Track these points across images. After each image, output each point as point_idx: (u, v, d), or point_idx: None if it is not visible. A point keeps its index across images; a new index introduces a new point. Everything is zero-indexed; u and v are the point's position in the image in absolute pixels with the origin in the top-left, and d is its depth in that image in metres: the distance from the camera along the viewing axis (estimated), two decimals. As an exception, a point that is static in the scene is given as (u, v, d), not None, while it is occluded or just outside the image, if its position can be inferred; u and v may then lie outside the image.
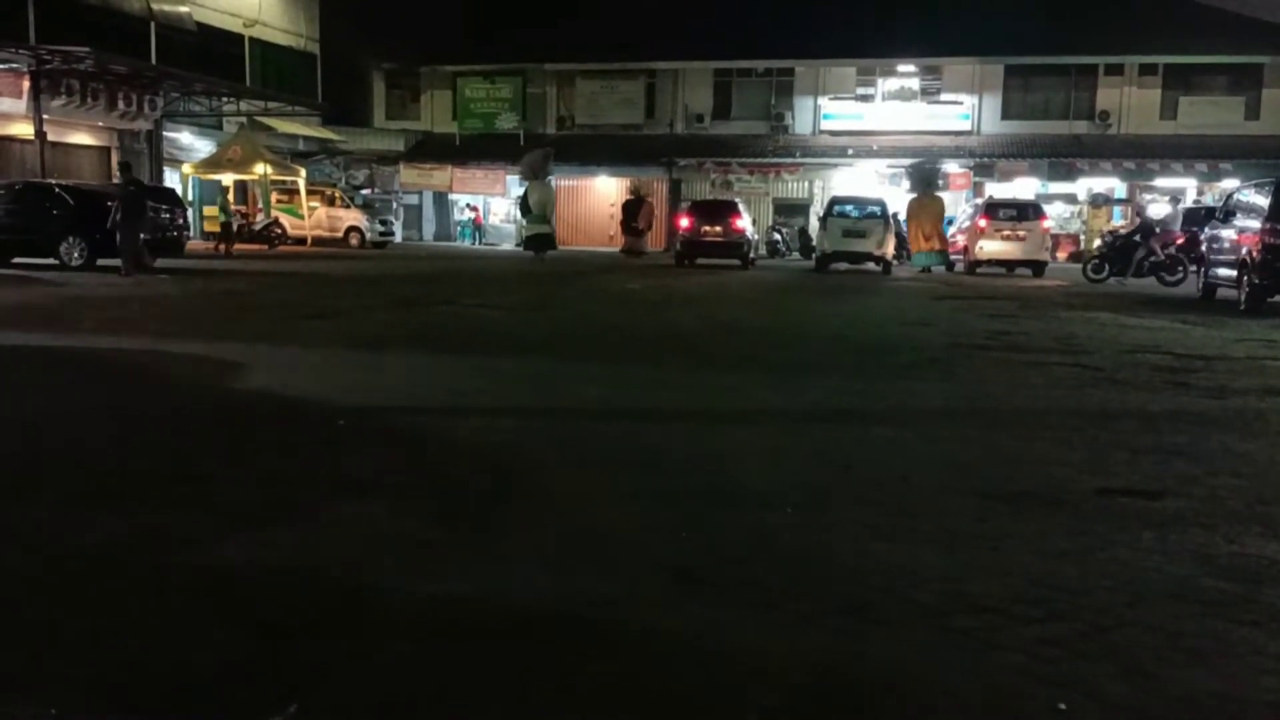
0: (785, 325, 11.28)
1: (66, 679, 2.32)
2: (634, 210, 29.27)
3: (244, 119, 30.85)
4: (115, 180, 19.94)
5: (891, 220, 24.06)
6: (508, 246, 36.01)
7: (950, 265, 25.16)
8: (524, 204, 25.04)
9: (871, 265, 23.88)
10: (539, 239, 24.52)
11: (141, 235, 17.04)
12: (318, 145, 35.93)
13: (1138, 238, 21.58)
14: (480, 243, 37.78)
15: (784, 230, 34.84)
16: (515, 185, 37.81)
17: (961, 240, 25.03)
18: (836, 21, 34.12)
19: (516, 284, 16.98)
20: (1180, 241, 22.09)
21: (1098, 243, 22.73)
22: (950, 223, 26.69)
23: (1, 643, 2.54)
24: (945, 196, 27.34)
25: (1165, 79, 34.31)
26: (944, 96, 35.80)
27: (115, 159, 28.22)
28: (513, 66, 37.88)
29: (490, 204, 38.90)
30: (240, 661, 2.43)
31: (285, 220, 30.09)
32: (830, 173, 35.16)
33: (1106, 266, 21.68)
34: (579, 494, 3.96)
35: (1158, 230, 22.00)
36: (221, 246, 24.61)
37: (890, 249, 23.66)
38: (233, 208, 27.30)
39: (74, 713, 2.16)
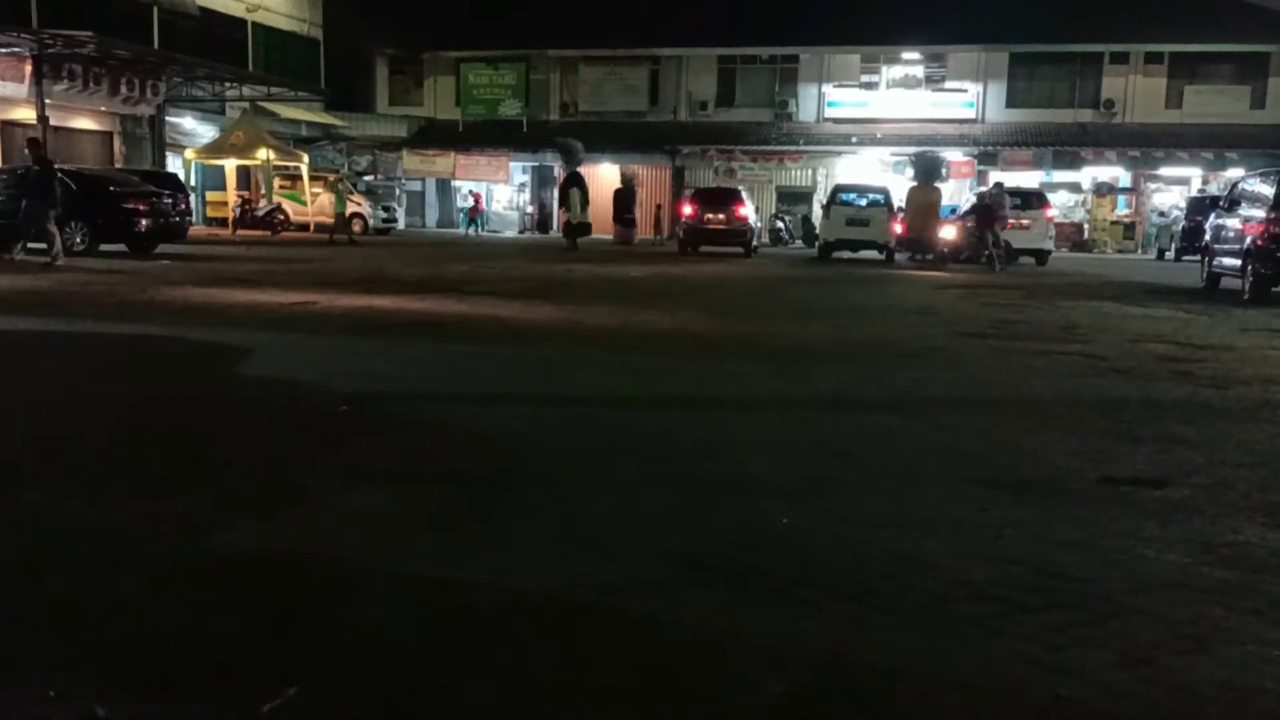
0: (788, 313, 11.27)
1: (69, 661, 2.34)
2: (627, 200, 29.23)
3: (247, 104, 30.79)
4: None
5: (895, 209, 24.04)
6: (510, 234, 35.95)
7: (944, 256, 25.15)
8: (584, 196, 25.82)
9: (874, 254, 23.85)
10: (584, 228, 25.54)
11: (51, 216, 15.15)
12: (320, 131, 35.86)
13: (974, 225, 21.19)
14: (483, 229, 37.67)
15: (787, 218, 34.80)
16: (520, 172, 37.91)
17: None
18: (841, 8, 33.99)
19: (519, 271, 16.96)
20: (1010, 225, 21.94)
21: (952, 232, 21.82)
22: (953, 211, 26.66)
23: (6, 625, 2.55)
24: (948, 186, 27.39)
25: (1171, 67, 34.19)
26: (948, 84, 35.70)
27: (118, 144, 28.24)
28: (516, 52, 37.76)
29: (493, 191, 38.78)
30: (242, 645, 2.45)
31: (288, 206, 30.05)
32: (834, 161, 35.10)
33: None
34: (583, 481, 3.97)
35: (998, 212, 21.19)
36: (340, 236, 25.51)
37: (894, 237, 23.64)
38: (348, 198, 27.75)
39: (75, 695, 2.17)
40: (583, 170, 27.88)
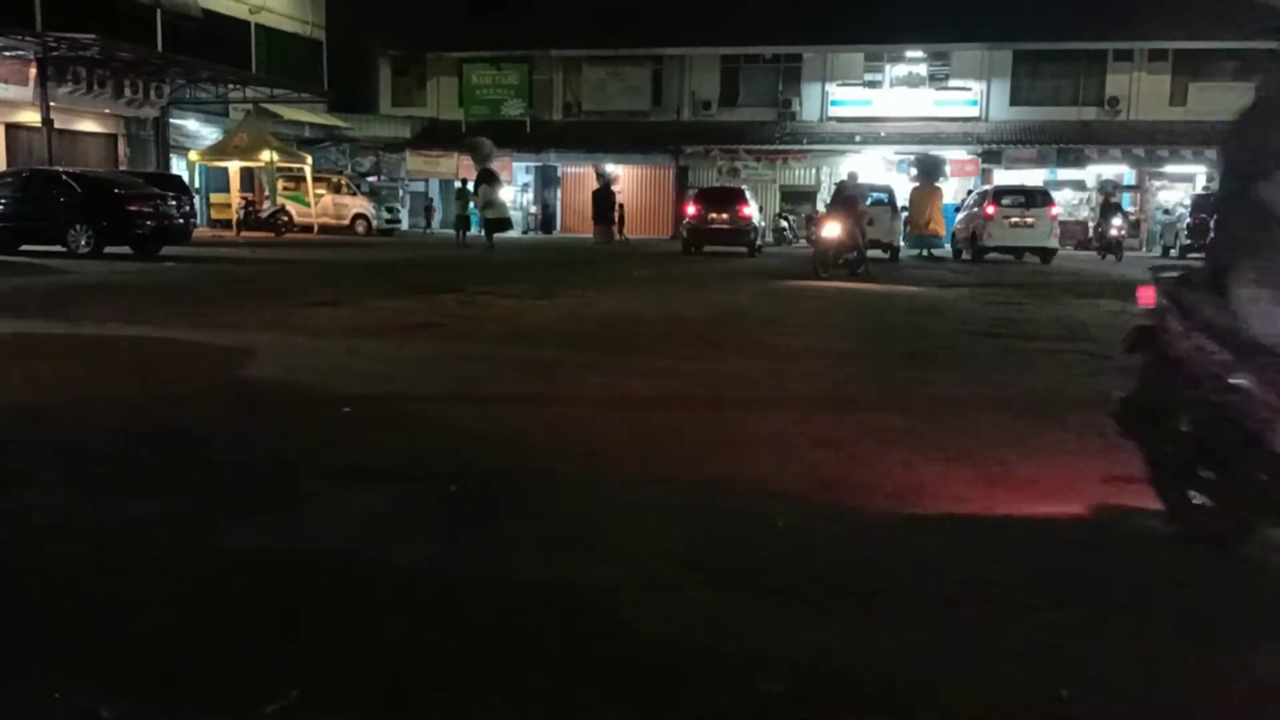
0: (792, 312, 11.24)
1: (70, 662, 2.33)
2: (608, 200, 29.08)
3: (250, 106, 30.82)
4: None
5: (899, 208, 24.19)
6: (514, 234, 35.92)
7: (933, 249, 25.51)
8: (495, 191, 25.76)
9: (878, 252, 23.83)
10: (501, 223, 25.47)
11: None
12: (324, 132, 35.89)
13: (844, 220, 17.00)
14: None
15: (791, 218, 34.77)
16: (523, 172, 37.90)
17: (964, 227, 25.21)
18: (844, 7, 33.93)
19: (522, 272, 16.95)
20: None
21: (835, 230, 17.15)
22: (958, 209, 26.80)
23: (6, 625, 2.55)
24: (951, 184, 27.53)
25: (1175, 65, 34.08)
26: (952, 83, 35.61)
27: (122, 146, 28.29)
28: (519, 53, 37.77)
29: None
30: (244, 645, 2.44)
31: (292, 207, 30.07)
32: (838, 160, 34.99)
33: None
34: (584, 480, 3.96)
35: (860, 205, 17.97)
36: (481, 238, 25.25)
37: (898, 236, 23.74)
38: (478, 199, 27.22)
39: (77, 696, 2.16)
40: (585, 170, 27.78)
